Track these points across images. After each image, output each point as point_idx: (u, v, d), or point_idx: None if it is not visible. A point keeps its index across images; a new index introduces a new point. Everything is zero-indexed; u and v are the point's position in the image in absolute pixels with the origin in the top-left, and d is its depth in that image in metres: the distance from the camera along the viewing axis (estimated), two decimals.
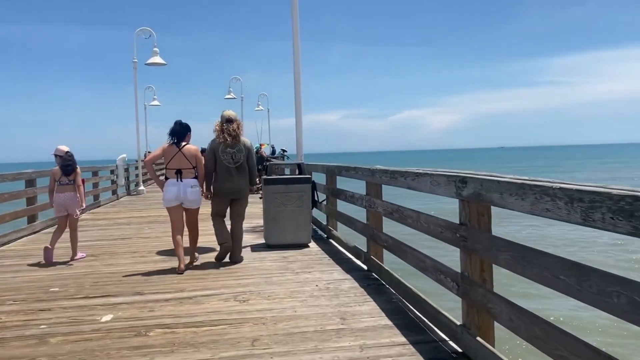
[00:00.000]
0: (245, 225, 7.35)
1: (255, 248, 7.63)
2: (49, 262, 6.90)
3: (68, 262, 6.97)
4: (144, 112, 35.35)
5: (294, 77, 8.69)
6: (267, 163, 18.95)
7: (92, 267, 6.62)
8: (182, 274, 6.04)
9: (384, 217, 5.38)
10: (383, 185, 5.40)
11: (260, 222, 10.41)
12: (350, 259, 6.59)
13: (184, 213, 6.47)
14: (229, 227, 6.84)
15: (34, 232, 9.78)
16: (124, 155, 17.94)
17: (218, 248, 6.83)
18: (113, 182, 17.07)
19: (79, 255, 7.21)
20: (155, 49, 19.57)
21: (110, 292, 5.29)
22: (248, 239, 8.45)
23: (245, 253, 7.27)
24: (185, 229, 6.58)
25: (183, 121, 6.40)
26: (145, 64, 19.69)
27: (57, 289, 5.52)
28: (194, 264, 6.61)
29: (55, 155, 7.16)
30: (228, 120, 6.56)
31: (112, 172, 17.09)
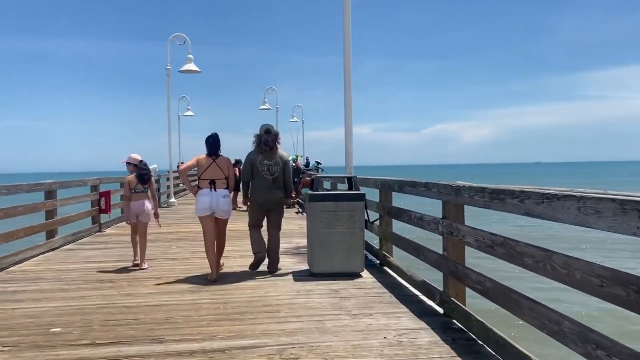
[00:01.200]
0: (285, 244, 7.54)
1: (298, 276, 6.47)
2: (138, 267, 7.18)
3: (135, 268, 7.16)
4: (178, 123, 34.91)
5: (344, 83, 7.59)
6: (302, 175, 17.92)
7: (107, 297, 5.56)
8: (215, 281, 6.24)
9: (466, 248, 4.18)
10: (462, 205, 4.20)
11: (301, 241, 9.30)
12: (417, 296, 5.36)
13: (214, 226, 6.63)
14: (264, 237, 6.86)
15: (52, 249, 8.86)
16: (155, 165, 17.07)
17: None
18: None
19: (145, 265, 7.21)
20: (189, 55, 18.84)
21: (122, 337, 4.19)
22: (288, 262, 7.33)
23: (287, 282, 6.15)
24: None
25: (217, 134, 6.60)
26: (179, 72, 18.95)
27: (59, 329, 4.45)
28: (221, 271, 6.74)
29: (128, 163, 7.27)
30: (266, 132, 6.70)
31: (122, 184, 16.23)
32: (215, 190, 6.36)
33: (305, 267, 6.96)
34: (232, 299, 5.40)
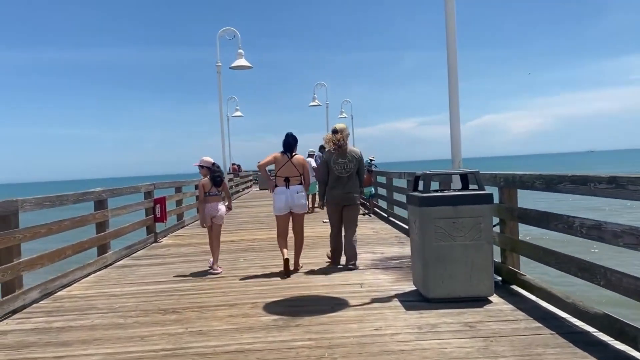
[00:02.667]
0: (368, 254, 7.55)
1: (406, 301, 5.07)
2: (214, 270, 7.05)
3: (208, 270, 7.09)
4: (227, 124, 34.17)
5: (448, 70, 6.10)
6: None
7: (173, 337, 4.32)
8: (289, 276, 6.44)
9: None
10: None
11: (387, 250, 7.91)
12: (592, 334, 3.88)
13: (290, 220, 6.92)
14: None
15: (105, 266, 7.80)
16: None
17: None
18: (197, 198, 15.18)
19: (218, 270, 7.05)
20: (240, 50, 17.75)
21: None
22: (384, 281, 6.01)
23: (397, 310, 4.79)
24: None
25: (293, 134, 6.90)
26: (230, 68, 17.88)
27: None
28: (299, 270, 6.82)
29: (201, 166, 7.29)
30: (334, 132, 6.86)
31: (196, 187, 15.21)
32: (289, 187, 6.67)
33: (408, 286, 5.59)
34: (335, 339, 4.06)
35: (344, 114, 36.92)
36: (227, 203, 7.57)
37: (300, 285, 5.98)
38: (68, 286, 6.57)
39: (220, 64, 17.92)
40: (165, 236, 11.19)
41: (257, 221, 13.37)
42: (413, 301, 5.05)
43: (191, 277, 6.78)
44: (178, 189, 13.15)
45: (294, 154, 6.81)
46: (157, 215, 10.47)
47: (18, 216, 5.63)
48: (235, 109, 30.29)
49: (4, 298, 5.27)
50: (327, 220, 7.19)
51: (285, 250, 6.74)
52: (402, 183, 11.93)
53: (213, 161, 7.33)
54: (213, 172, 7.20)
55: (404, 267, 6.68)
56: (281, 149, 6.83)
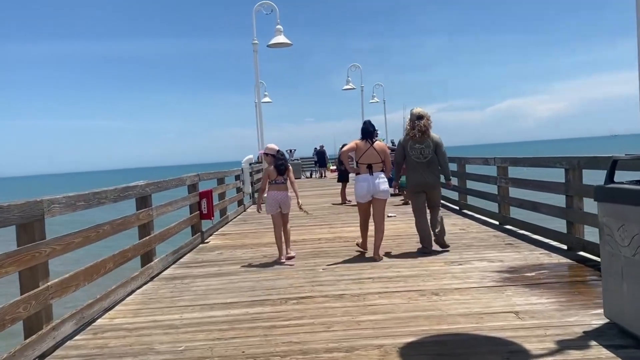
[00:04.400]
0: (487, 263, 6.05)
1: (615, 347, 3.39)
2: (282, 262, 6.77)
3: (283, 261, 6.80)
4: (256, 111, 32.56)
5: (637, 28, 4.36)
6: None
7: None
8: (379, 260, 6.46)
9: None
10: None
11: (506, 257, 6.15)
12: None
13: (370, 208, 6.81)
14: None
15: (151, 278, 6.26)
16: (251, 156, 14.48)
17: None
18: (239, 190, 13.62)
19: (292, 253, 7.11)
20: (278, 26, 16.12)
21: None
22: (543, 306, 4.32)
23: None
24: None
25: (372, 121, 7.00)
26: (268, 46, 16.27)
27: None
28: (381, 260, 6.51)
29: (266, 154, 7.13)
30: (419, 117, 6.75)
31: (237, 177, 13.67)
32: (372, 174, 6.57)
33: (592, 318, 3.92)
34: None
35: (375, 98, 35.11)
36: (291, 192, 7.11)
37: (427, 313, 4.34)
38: (110, 310, 5.03)
39: (257, 41, 16.26)
40: (210, 235, 9.64)
41: (310, 216, 11.74)
42: (627, 348, 3.37)
43: (266, 296, 5.19)
44: (220, 180, 11.57)
45: (374, 140, 6.82)
46: (204, 212, 8.91)
47: (44, 223, 4.07)
48: (264, 94, 28.73)
49: (28, 340, 3.73)
50: (393, 214, 7.47)
51: (366, 240, 6.99)
52: (485, 170, 10.21)
53: (278, 148, 7.06)
54: (277, 160, 6.95)
55: (552, 283, 5.01)
56: (359, 137, 6.85)
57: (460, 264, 6.04)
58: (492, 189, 9.52)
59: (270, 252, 7.62)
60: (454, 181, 11.63)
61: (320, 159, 29.32)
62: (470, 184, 11.17)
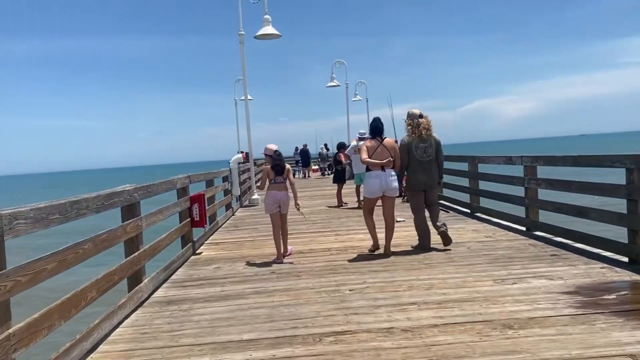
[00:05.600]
0: (545, 281, 5.14)
1: None
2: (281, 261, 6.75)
3: (282, 260, 6.77)
4: (236, 109, 31.35)
5: None
6: None
7: None
8: (389, 257, 6.55)
9: None
10: None
11: (565, 272, 5.12)
12: None
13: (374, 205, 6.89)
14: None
15: (141, 303, 5.14)
16: (239, 155, 13.37)
17: None
18: (227, 192, 12.48)
19: (289, 249, 7.20)
20: (266, 16, 15.00)
21: None
22: (627, 337, 3.32)
23: None
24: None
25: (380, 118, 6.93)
26: (256, 37, 15.15)
27: None
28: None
29: (265, 155, 7.16)
30: (420, 117, 6.88)
31: (224, 179, 12.52)
32: (384, 170, 6.60)
33: None
34: None
35: (358, 96, 34.21)
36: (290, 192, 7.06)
37: (515, 358, 3.34)
38: (93, 351, 3.91)
39: (243, 32, 15.13)
40: (202, 244, 8.52)
41: (309, 220, 10.69)
42: None
43: (291, 329, 4.13)
44: (210, 182, 10.42)
45: (384, 137, 6.82)
46: (196, 218, 7.80)
47: (3, 247, 2.94)
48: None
49: None
50: (402, 219, 7.71)
51: (376, 237, 6.91)
52: (504, 170, 9.32)
53: (276, 149, 7.09)
54: (274, 160, 6.99)
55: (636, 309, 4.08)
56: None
57: (515, 282, 5.08)
58: (513, 190, 8.69)
59: (277, 267, 6.56)
60: (464, 182, 10.78)
61: (304, 158, 28.26)
62: (483, 185, 10.29)
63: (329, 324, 4.21)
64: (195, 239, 8.01)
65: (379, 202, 6.89)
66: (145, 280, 5.39)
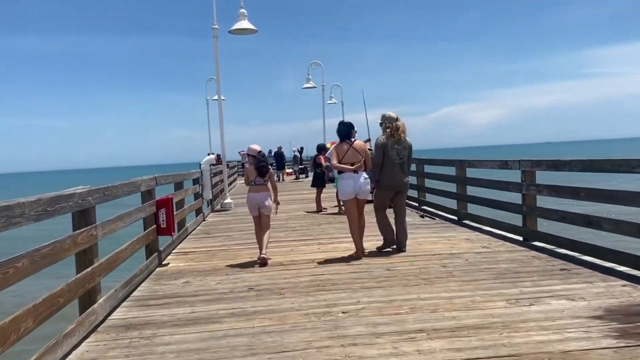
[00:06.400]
0: (567, 302, 4.52)
1: None
2: (265, 264, 6.58)
3: (265, 256, 6.67)
4: (207, 109, 30.35)
5: None
6: None
7: None
8: (360, 258, 6.59)
9: None
10: None
11: (586, 291, 4.45)
12: None
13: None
14: None
15: (95, 328, 4.30)
16: (212, 156, 12.52)
17: None
18: (197, 195, 11.59)
19: (264, 251, 6.78)
20: (242, 10, 14.22)
21: None
22: None
23: None
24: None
25: (345, 121, 7.15)
26: (230, 32, 14.35)
27: None
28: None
29: (248, 155, 7.12)
30: (396, 120, 6.96)
31: (194, 181, 11.64)
32: (357, 172, 6.68)
33: None
34: None
35: (333, 99, 33.62)
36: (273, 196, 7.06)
37: None
38: None
39: (217, 26, 14.29)
40: (168, 254, 7.67)
41: (287, 227, 9.94)
42: None
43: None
44: (179, 185, 9.55)
45: (353, 140, 6.91)
46: (162, 225, 6.96)
47: None
48: (216, 91, 26.62)
49: None
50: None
51: (359, 244, 6.84)
52: (496, 175, 8.77)
53: (259, 149, 7.05)
54: (259, 161, 6.93)
55: None
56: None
57: (532, 304, 4.43)
58: (502, 195, 8.34)
59: (255, 281, 5.79)
60: (452, 187, 10.18)
61: (278, 161, 27.47)
62: (471, 191, 9.72)
63: (324, 358, 3.47)
64: (161, 249, 7.16)
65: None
66: (101, 300, 4.55)
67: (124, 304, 5.13)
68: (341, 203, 10.01)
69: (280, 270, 6.27)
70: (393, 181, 6.95)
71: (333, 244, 7.92)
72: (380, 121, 7.16)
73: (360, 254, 6.72)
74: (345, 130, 6.90)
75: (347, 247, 7.50)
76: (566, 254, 6.30)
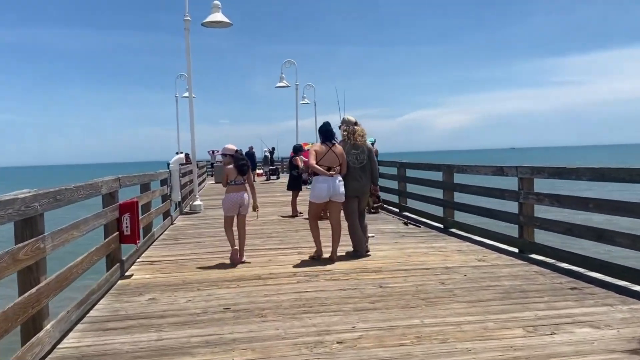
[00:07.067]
0: (588, 332, 4.09)
1: None
2: (237, 262, 6.67)
3: (237, 258, 6.66)
4: (176, 105, 29.34)
5: None
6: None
7: None
8: (333, 262, 6.50)
9: None
10: None
11: (603, 319, 3.97)
12: None
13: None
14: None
15: (48, 353, 3.55)
16: (181, 155, 11.71)
17: None
18: (165, 197, 10.77)
19: (244, 259, 6.80)
20: (215, 2, 13.48)
21: None
22: None
23: None
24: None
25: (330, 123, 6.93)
26: (203, 24, 13.60)
27: None
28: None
29: (224, 155, 7.00)
30: (355, 124, 7.09)
31: (162, 182, 10.83)
32: (332, 175, 6.61)
33: None
34: None
35: (306, 99, 33.01)
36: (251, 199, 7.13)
37: None
38: None
39: (189, 17, 13.49)
40: (132, 264, 6.90)
41: (263, 233, 9.25)
42: None
43: None
44: (145, 187, 8.74)
45: (333, 142, 6.81)
46: (126, 232, 6.19)
47: None
48: (185, 88, 25.68)
49: None
50: (371, 235, 7.68)
51: (321, 245, 6.83)
52: (488, 182, 8.28)
53: (237, 148, 7.04)
54: (238, 160, 6.90)
55: None
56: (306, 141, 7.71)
57: (554, 332, 3.88)
58: (491, 202, 7.98)
59: (231, 298, 5.11)
60: (440, 193, 9.68)
61: (249, 161, 26.61)
62: (458, 198, 9.22)
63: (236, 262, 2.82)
64: (124, 258, 6.39)
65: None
66: (48, 326, 3.80)
67: (78, 327, 4.38)
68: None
69: (258, 286, 5.59)
70: (354, 187, 6.86)
71: (334, 262, 7.26)
72: (339, 124, 7.25)
73: (334, 256, 6.69)
74: (330, 131, 6.80)
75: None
76: (570, 270, 5.81)
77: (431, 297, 4.92)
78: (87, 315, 4.71)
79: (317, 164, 6.61)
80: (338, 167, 6.68)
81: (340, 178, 6.68)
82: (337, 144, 6.83)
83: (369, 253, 7.00)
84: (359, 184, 6.92)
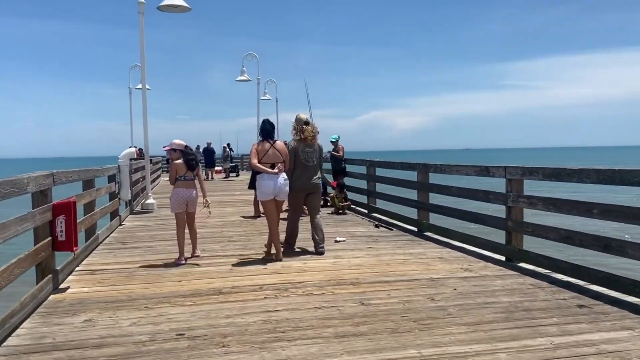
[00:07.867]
0: None
1: None
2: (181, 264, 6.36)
3: (183, 263, 6.37)
4: (129, 98, 27.89)
5: None
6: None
7: None
8: (280, 260, 6.38)
9: None
10: None
11: (624, 346, 3.34)
12: None
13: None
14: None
15: None
16: (132, 149, 10.65)
17: None
18: (113, 196, 9.72)
19: (198, 252, 6.84)
20: None
21: None
22: None
23: None
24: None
25: (270, 120, 6.93)
26: (159, 8, 12.52)
27: None
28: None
29: (173, 150, 6.77)
30: (306, 123, 7.13)
31: (110, 178, 9.77)
32: (276, 173, 6.59)
33: None
34: None
35: (267, 95, 32.08)
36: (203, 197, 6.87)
37: None
38: None
39: (143, 0, 12.39)
40: (70, 273, 5.93)
41: (223, 236, 8.38)
42: None
43: None
44: (88, 183, 7.71)
45: (275, 140, 6.83)
46: (60, 238, 5.23)
47: None
48: (140, 80, 24.31)
49: None
50: (342, 239, 7.82)
51: (278, 246, 6.69)
52: (466, 182, 7.67)
53: (185, 144, 6.87)
54: (187, 155, 6.71)
55: None
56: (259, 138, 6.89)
57: None
58: (467, 204, 7.55)
59: (186, 320, 4.25)
60: (413, 194, 9.04)
61: (208, 158, 25.51)
62: (434, 199, 8.61)
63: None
64: (58, 267, 5.43)
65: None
66: None
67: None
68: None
69: (218, 302, 4.75)
70: (304, 184, 6.98)
71: (284, 261, 6.49)
72: (293, 122, 7.26)
73: (280, 256, 6.60)
74: (268, 129, 6.79)
75: (301, 266, 6.16)
76: (569, 282, 5.23)
77: (423, 318, 4.21)
78: (3, 344, 3.77)
79: (259, 162, 6.55)
80: (281, 165, 6.62)
81: (285, 177, 6.66)
82: (278, 141, 6.88)
83: (322, 251, 6.89)
84: (309, 181, 7.02)
